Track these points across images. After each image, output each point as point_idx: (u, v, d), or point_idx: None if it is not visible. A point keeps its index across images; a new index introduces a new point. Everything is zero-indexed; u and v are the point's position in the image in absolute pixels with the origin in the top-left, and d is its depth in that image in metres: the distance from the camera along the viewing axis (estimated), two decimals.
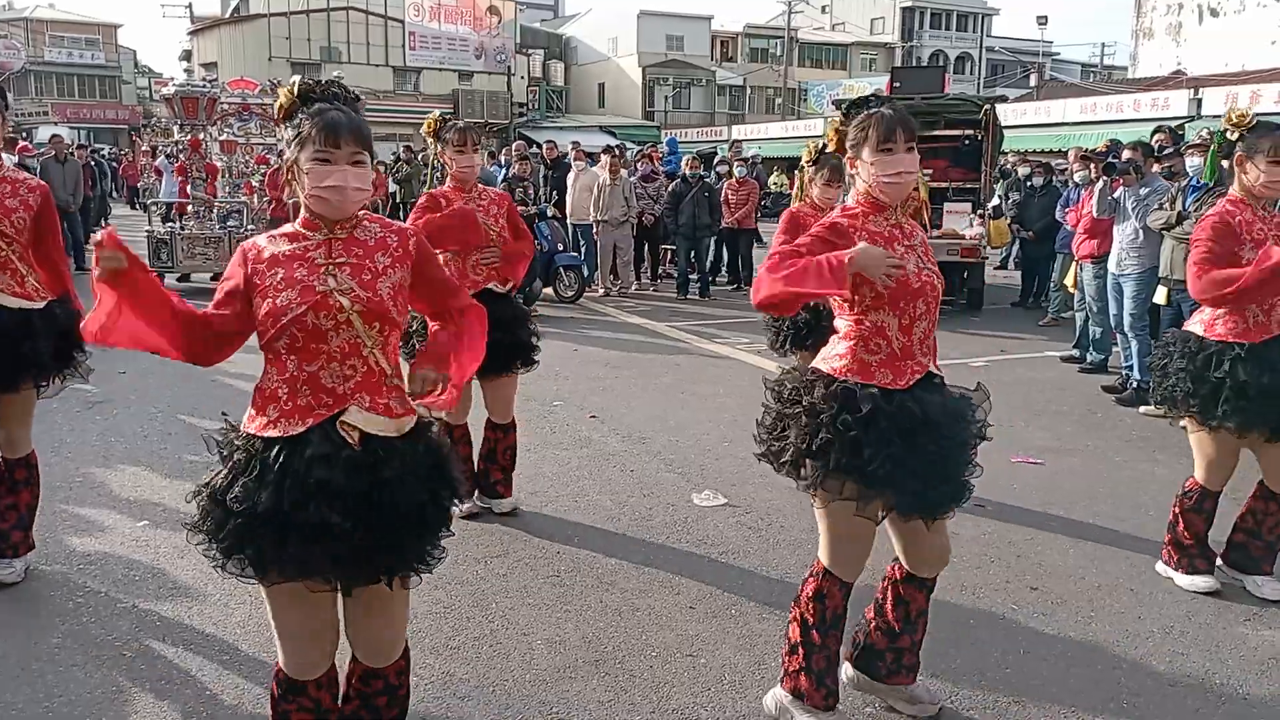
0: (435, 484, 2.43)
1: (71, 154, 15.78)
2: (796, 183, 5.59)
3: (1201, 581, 4.13)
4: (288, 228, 2.45)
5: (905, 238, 2.87)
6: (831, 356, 2.90)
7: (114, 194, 16.27)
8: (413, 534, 2.38)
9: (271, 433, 2.33)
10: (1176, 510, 4.19)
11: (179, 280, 12.91)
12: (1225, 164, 4.01)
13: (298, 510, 2.24)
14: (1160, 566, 4.29)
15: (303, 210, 2.42)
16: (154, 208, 14.06)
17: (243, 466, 2.33)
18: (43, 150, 15.78)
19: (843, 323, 2.89)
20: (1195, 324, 4.03)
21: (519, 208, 11.68)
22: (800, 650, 3.01)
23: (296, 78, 2.47)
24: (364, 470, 2.30)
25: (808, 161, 5.23)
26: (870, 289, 2.76)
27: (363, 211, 2.46)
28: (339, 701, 2.62)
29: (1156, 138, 7.86)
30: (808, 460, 2.83)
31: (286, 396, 2.35)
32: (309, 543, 2.26)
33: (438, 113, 4.82)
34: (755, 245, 13.76)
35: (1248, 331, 3.82)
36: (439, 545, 2.46)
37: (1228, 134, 3.88)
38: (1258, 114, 3.98)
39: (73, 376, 4.04)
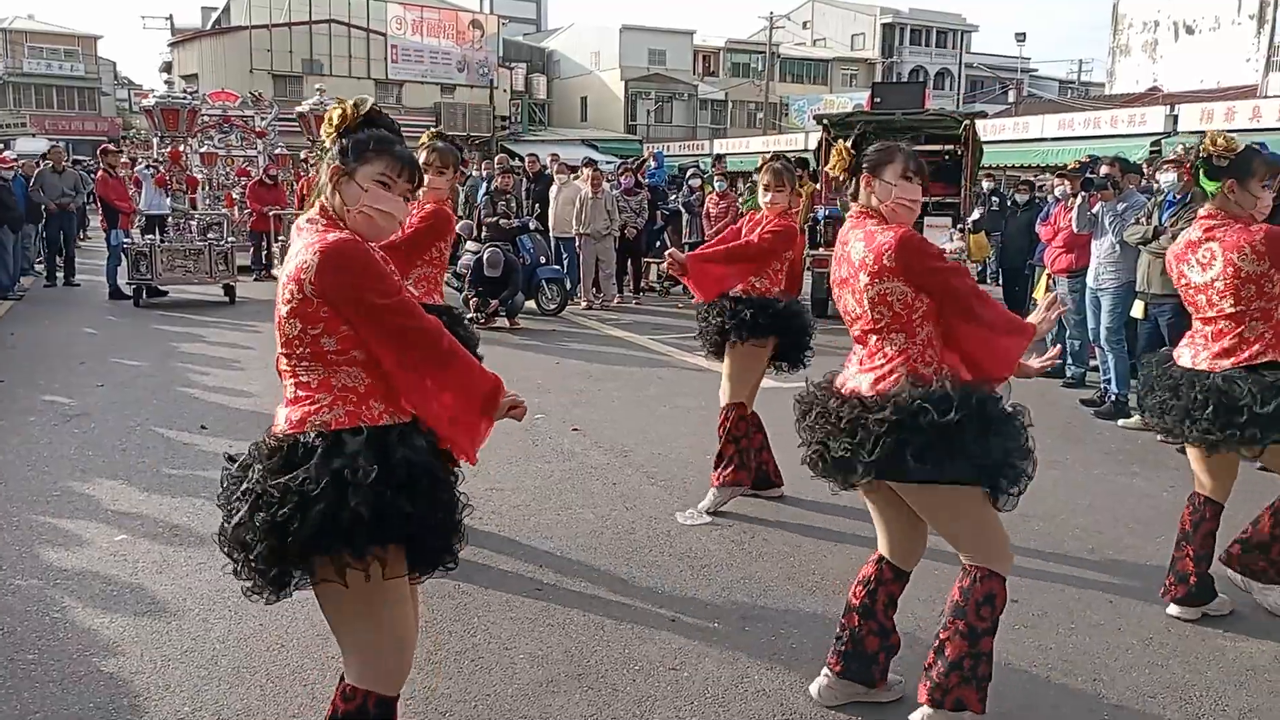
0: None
1: (68, 166, 15.70)
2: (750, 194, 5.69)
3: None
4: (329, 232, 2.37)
5: None
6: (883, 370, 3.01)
7: (91, 203, 16.12)
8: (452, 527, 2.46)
9: (385, 421, 2.32)
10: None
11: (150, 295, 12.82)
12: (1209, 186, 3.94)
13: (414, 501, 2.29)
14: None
15: (341, 222, 2.37)
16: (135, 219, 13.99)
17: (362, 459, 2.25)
18: (22, 161, 15.67)
19: (885, 340, 2.99)
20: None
21: (502, 221, 11.81)
22: (966, 663, 3.01)
23: (368, 99, 2.47)
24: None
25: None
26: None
27: None
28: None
29: (1103, 169, 7.96)
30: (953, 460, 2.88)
31: (363, 394, 2.33)
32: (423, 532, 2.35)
33: (433, 130, 4.79)
34: None
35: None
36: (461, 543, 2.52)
37: (1214, 160, 3.83)
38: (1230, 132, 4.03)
39: None
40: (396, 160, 2.40)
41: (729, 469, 5.25)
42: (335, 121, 2.42)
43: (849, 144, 3.16)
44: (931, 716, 3.05)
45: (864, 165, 3.07)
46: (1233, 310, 3.71)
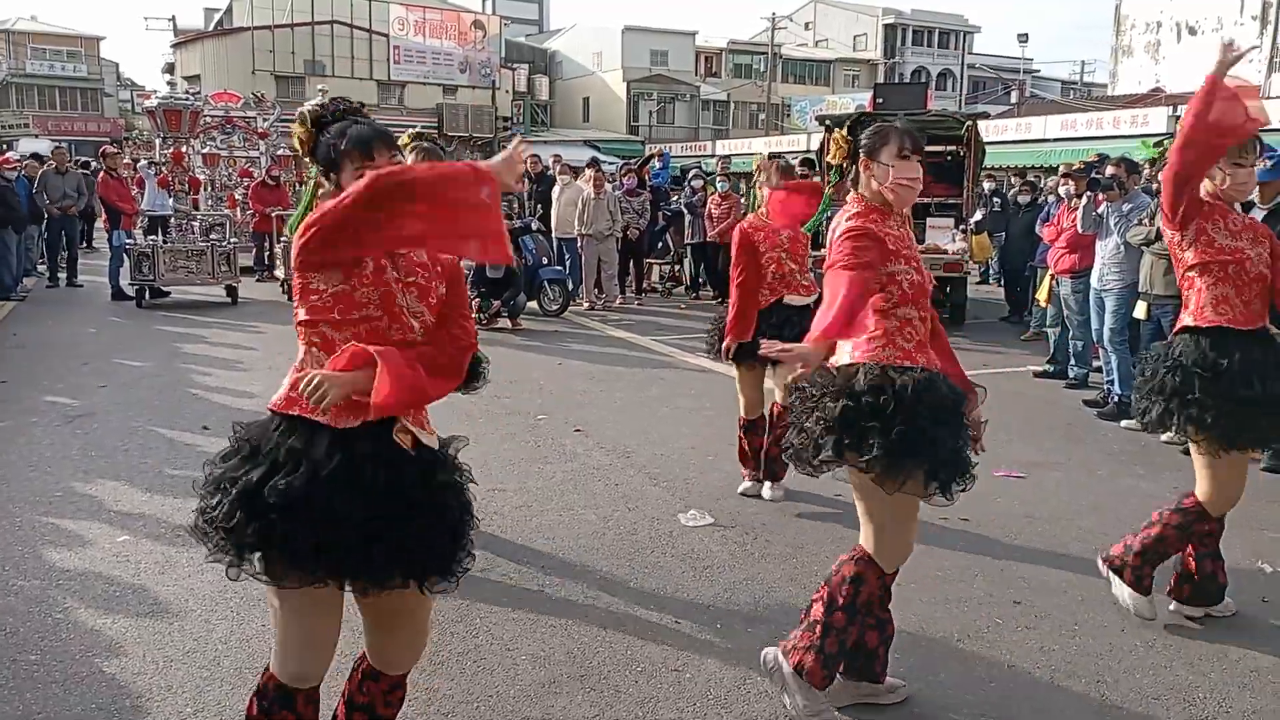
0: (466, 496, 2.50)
1: (71, 166, 15.72)
2: (750, 194, 5.74)
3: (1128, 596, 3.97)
4: None
5: (910, 240, 3.08)
6: (861, 347, 3.01)
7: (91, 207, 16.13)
8: (446, 540, 2.41)
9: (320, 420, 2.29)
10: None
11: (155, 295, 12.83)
12: None
13: (337, 506, 2.22)
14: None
15: None
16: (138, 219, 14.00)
17: (279, 460, 2.26)
18: (26, 162, 15.69)
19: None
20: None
21: (505, 221, 11.82)
22: (817, 629, 3.05)
23: (307, 106, 2.48)
24: (416, 473, 2.36)
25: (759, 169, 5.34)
26: (898, 287, 2.97)
27: None
28: (344, 706, 2.63)
29: (1108, 169, 7.96)
30: (874, 442, 2.87)
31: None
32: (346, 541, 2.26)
33: (419, 129, 4.73)
34: None
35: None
36: (470, 554, 2.49)
37: None
38: None
39: None
40: (357, 145, 2.37)
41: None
42: (300, 148, 2.48)
43: (845, 131, 3.18)
44: (775, 663, 3.14)
45: (861, 149, 3.07)
46: None
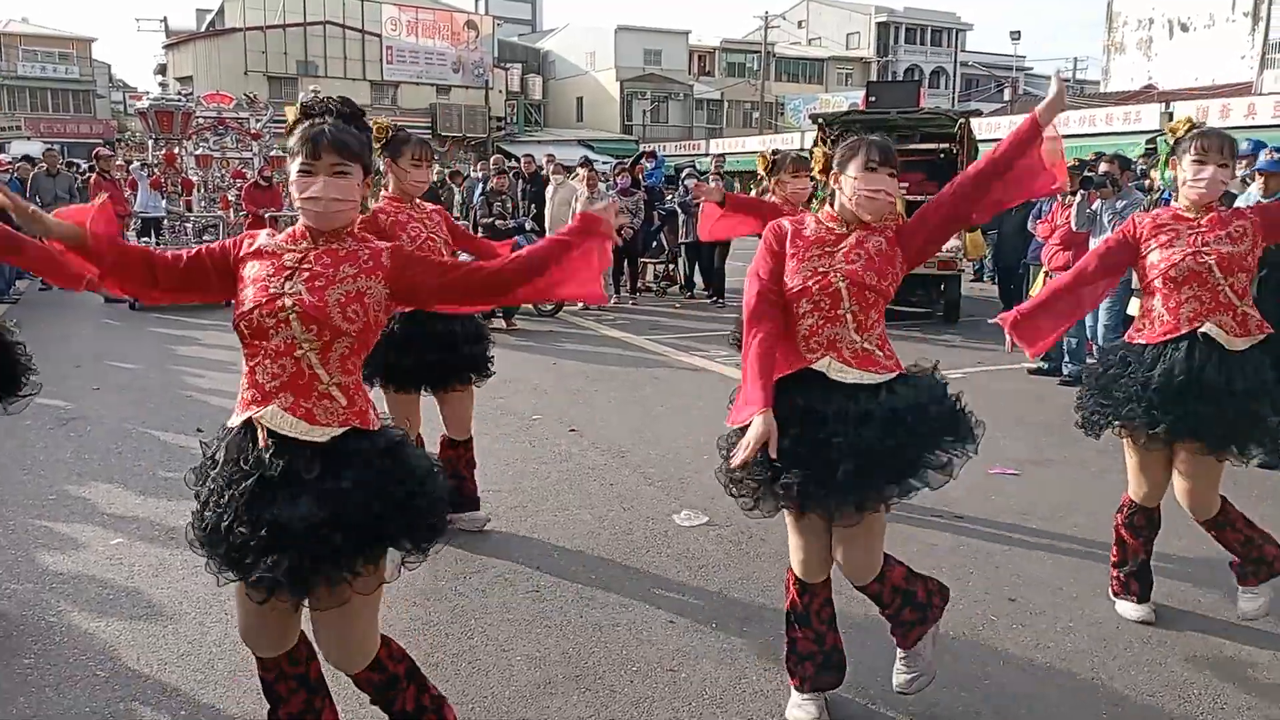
0: (381, 495, 2.39)
1: (62, 169, 15.66)
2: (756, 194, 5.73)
3: (1129, 609, 4.03)
4: (293, 228, 2.53)
5: (835, 242, 2.99)
6: None
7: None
8: (349, 543, 2.34)
9: (231, 422, 2.48)
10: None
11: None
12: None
13: (207, 507, 2.38)
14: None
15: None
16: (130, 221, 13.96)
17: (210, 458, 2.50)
18: (18, 165, 15.63)
19: None
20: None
21: (498, 222, 11.79)
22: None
23: (303, 97, 2.53)
24: (287, 471, 2.34)
25: (765, 170, 5.32)
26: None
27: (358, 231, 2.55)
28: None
29: (1102, 166, 7.99)
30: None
31: (242, 389, 2.46)
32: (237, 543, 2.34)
33: (386, 120, 4.62)
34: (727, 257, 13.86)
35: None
36: (372, 558, 2.42)
37: (1168, 140, 3.84)
38: (1213, 127, 3.98)
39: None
40: (305, 142, 2.42)
41: None
42: (288, 134, 2.56)
43: (830, 144, 3.18)
44: None
45: (834, 164, 3.05)
46: None
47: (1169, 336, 3.63)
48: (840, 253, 2.95)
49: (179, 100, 13.89)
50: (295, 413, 2.38)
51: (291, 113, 2.53)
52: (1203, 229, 3.60)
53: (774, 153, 5.40)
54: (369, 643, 2.58)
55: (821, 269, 2.93)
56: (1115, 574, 4.10)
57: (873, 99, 13.78)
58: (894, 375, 2.95)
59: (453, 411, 4.81)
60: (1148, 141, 17.53)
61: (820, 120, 12.71)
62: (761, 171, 5.38)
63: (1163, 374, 3.59)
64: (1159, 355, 3.64)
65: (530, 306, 12.23)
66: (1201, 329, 3.58)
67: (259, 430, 2.38)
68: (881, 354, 2.97)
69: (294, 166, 2.42)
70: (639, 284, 14.62)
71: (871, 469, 2.85)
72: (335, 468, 2.37)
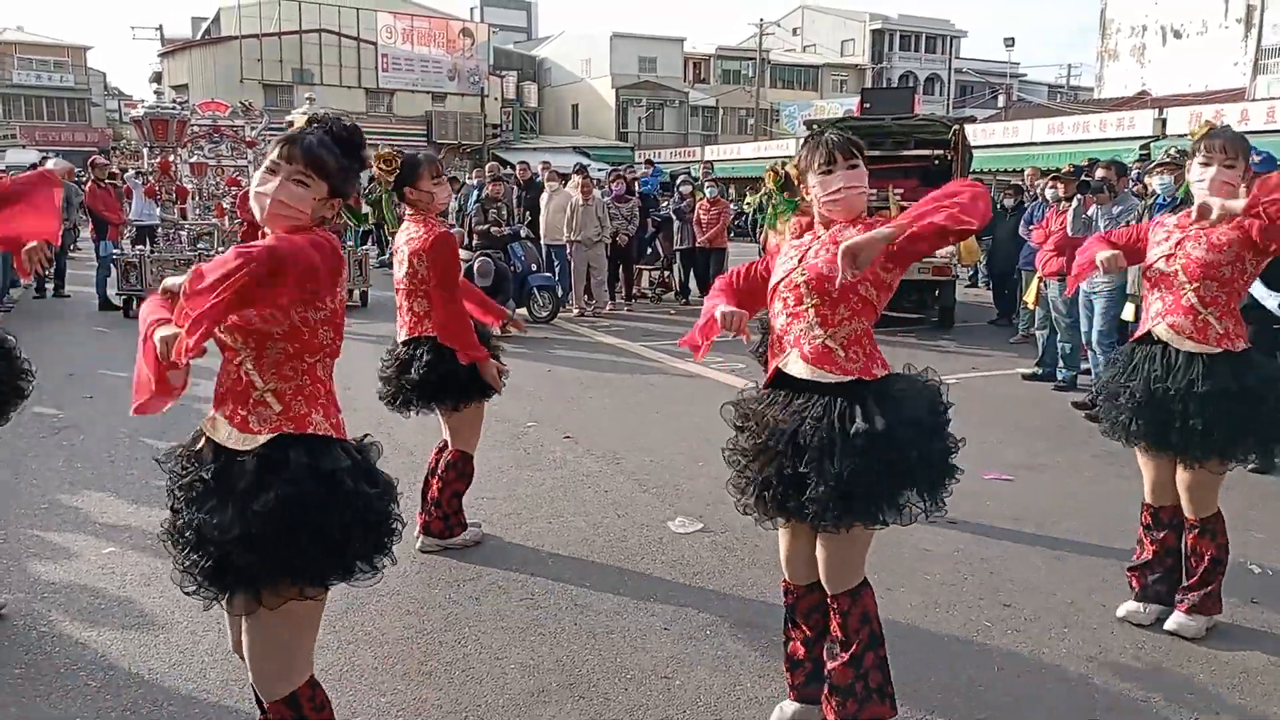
0: (309, 507, 2.31)
1: (63, 178, 15.63)
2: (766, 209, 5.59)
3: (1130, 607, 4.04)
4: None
5: (810, 242, 2.99)
6: None
7: (82, 214, 16.06)
8: (269, 551, 2.29)
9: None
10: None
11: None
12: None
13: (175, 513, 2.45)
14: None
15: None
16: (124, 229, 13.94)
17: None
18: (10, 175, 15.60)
19: None
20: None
21: (494, 229, 11.80)
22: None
23: (306, 109, 2.54)
24: (218, 479, 2.37)
25: (776, 186, 5.20)
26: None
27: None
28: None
29: (1098, 172, 8.02)
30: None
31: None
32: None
33: (386, 149, 4.53)
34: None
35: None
36: (302, 570, 2.35)
37: (1186, 146, 3.89)
38: (1224, 128, 3.98)
39: None
40: (280, 143, 2.44)
41: None
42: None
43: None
44: None
45: (802, 174, 3.03)
46: None
47: (1138, 336, 3.81)
48: (811, 250, 2.95)
49: (174, 108, 13.85)
50: (233, 421, 2.39)
51: (299, 121, 2.53)
52: (1189, 234, 3.64)
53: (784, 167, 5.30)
54: (283, 666, 2.45)
55: (791, 267, 2.96)
56: (1129, 573, 4.09)
57: (867, 105, 13.79)
58: (852, 379, 2.82)
59: (458, 425, 4.79)
60: (1141, 148, 17.62)
61: (814, 126, 12.71)
62: (773, 185, 5.26)
63: (1135, 382, 3.72)
64: (1130, 359, 3.80)
65: (525, 312, 12.23)
66: (1155, 328, 3.71)
67: (207, 437, 2.45)
68: (844, 354, 2.84)
69: (265, 160, 2.44)
70: (634, 291, 14.63)
71: (843, 488, 2.74)
72: (265, 482, 2.31)
